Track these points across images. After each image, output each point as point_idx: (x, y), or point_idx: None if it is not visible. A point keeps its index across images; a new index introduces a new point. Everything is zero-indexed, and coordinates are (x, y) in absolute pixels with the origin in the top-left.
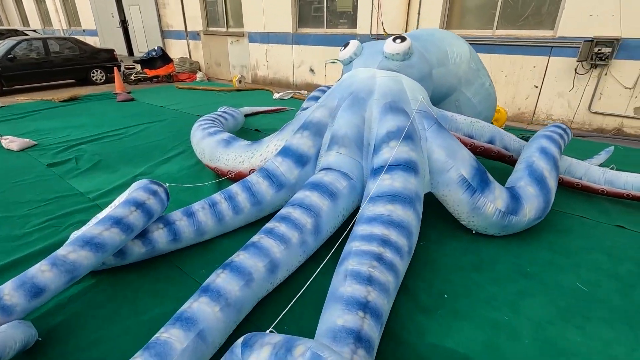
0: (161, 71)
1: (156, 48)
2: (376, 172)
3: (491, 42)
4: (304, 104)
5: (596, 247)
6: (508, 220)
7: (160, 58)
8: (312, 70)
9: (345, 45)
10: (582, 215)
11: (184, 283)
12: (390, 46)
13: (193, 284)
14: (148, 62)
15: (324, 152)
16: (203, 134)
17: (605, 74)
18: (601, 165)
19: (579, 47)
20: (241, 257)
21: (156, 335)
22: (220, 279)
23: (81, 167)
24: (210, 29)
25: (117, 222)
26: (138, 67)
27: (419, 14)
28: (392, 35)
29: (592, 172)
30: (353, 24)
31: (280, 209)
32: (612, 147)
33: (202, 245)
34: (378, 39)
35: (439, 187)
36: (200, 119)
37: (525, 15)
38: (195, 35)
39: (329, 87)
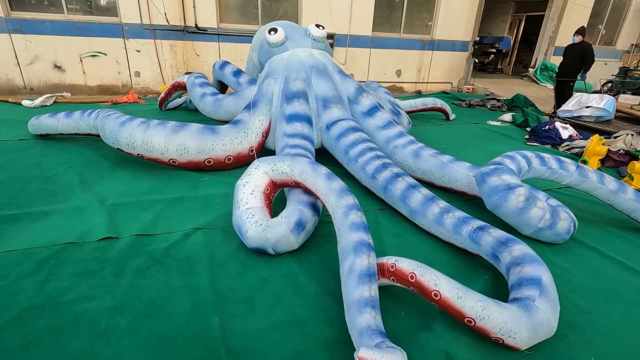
0: None
1: None
2: (369, 113)
3: None
4: (200, 90)
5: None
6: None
7: None
8: (58, 67)
9: (274, 30)
10: None
11: None
12: (318, 32)
13: None
14: None
15: (323, 111)
16: (171, 129)
17: (332, 55)
18: None
19: None
20: None
21: None
22: None
23: None
24: None
25: None
26: None
27: (194, 7)
28: (176, 26)
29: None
30: (108, 11)
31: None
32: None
33: None
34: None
35: None
36: (120, 118)
37: (278, 16)
38: None
39: (199, 73)
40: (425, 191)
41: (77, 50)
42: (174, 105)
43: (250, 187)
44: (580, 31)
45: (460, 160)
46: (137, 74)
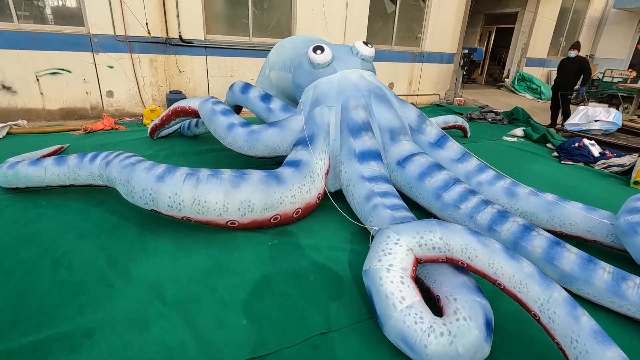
0: None
1: None
2: (438, 143)
3: (250, 48)
4: (225, 120)
5: None
6: None
7: None
8: (7, 87)
9: (320, 49)
10: None
11: None
12: (367, 50)
13: None
14: None
15: (391, 144)
16: (229, 181)
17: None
18: None
19: None
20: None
21: None
22: None
23: None
24: None
25: None
26: None
27: (178, 16)
28: (158, 37)
29: None
30: (73, 20)
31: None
32: None
33: None
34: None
35: None
36: (155, 170)
37: (270, 27)
38: None
39: (216, 98)
40: (574, 249)
41: (33, 66)
42: (166, 133)
43: (398, 273)
44: (576, 45)
45: (565, 199)
46: (110, 93)
